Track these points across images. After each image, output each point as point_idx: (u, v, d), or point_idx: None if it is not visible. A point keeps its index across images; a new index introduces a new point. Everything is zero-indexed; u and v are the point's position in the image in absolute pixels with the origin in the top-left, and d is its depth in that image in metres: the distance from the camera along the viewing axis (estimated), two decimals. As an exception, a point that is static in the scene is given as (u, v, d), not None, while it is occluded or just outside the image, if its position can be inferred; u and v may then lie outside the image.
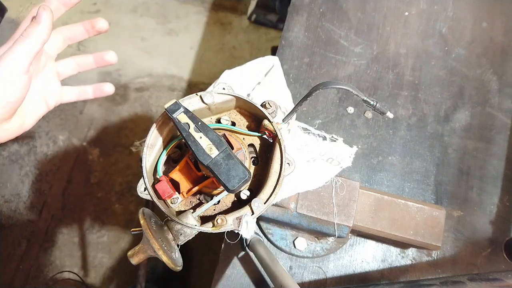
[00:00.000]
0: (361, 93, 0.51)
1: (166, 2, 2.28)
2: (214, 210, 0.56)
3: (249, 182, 0.55)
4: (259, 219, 0.84)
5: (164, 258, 0.49)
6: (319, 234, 0.80)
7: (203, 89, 0.62)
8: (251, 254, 0.83)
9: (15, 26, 2.13)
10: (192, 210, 0.53)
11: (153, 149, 0.55)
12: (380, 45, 1.04)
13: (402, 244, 0.83)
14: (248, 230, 0.50)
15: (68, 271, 1.70)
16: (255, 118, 0.61)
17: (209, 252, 1.74)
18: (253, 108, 0.58)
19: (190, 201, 0.57)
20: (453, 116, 0.98)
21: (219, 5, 2.28)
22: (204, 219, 0.54)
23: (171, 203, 0.55)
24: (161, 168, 0.56)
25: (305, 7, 1.07)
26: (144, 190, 0.54)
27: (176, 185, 0.55)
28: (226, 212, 0.53)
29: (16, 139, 1.95)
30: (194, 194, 0.57)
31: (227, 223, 0.50)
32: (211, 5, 2.28)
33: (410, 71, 1.01)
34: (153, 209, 0.59)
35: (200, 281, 1.70)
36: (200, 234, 0.53)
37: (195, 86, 2.09)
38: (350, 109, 0.97)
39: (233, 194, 0.57)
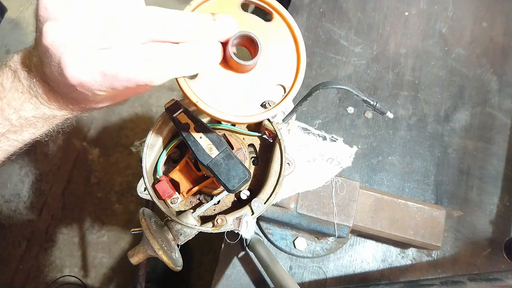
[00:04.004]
0: (361, 93, 0.51)
1: (166, 2, 2.28)
2: (214, 210, 0.56)
3: (249, 182, 0.55)
4: (259, 219, 0.84)
5: (164, 258, 0.49)
6: (319, 234, 0.80)
7: (203, 89, 0.62)
8: (251, 254, 0.83)
9: (15, 26, 2.13)
10: (192, 210, 0.53)
11: (153, 149, 0.55)
12: (380, 45, 1.04)
13: (402, 244, 0.83)
14: (248, 230, 0.50)
15: (69, 275, 1.69)
16: (255, 118, 0.60)
17: (209, 252, 1.74)
18: (253, 108, 0.58)
19: (190, 201, 0.57)
20: (453, 116, 0.98)
21: (219, 5, 2.28)
22: (204, 219, 0.54)
23: (171, 203, 0.55)
24: (161, 168, 0.56)
25: (305, 7, 1.07)
26: (144, 190, 0.54)
27: (176, 185, 0.55)
28: (226, 212, 0.53)
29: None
30: (194, 194, 0.57)
31: (227, 223, 0.50)
32: (211, 5, 2.28)
33: (410, 71, 1.01)
34: (153, 209, 0.59)
35: (200, 281, 1.70)
36: (200, 234, 0.53)
37: (195, 86, 2.09)
38: (350, 109, 0.97)
39: (233, 194, 0.57)
